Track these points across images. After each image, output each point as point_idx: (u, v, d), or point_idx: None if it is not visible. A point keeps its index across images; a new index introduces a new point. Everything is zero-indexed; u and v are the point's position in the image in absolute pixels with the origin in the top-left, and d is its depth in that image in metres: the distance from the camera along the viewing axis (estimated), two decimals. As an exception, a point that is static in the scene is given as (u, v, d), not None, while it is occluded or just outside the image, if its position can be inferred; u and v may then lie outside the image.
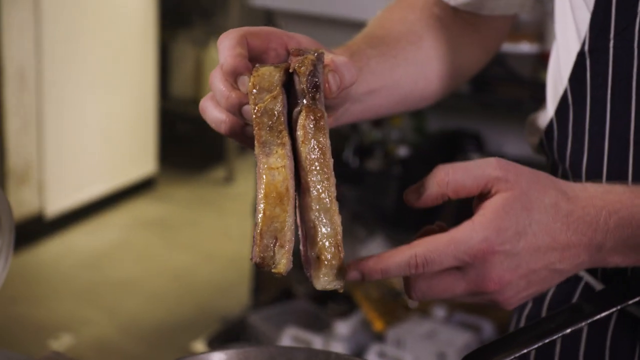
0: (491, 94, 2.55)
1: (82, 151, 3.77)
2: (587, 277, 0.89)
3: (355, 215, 2.67)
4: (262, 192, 0.65)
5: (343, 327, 2.52)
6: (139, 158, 4.09)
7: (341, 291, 0.67)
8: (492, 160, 0.67)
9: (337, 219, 0.66)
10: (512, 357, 0.73)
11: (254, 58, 0.72)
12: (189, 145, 4.70)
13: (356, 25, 2.41)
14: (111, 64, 3.84)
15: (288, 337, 2.48)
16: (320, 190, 0.66)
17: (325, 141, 0.66)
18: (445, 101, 3.01)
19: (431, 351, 2.39)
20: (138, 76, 4.01)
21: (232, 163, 4.26)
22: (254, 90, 0.67)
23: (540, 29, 2.43)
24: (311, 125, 0.66)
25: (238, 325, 2.75)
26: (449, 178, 0.65)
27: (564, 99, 0.85)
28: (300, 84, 0.67)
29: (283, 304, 2.76)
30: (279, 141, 0.66)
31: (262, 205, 0.65)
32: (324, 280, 0.66)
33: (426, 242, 0.64)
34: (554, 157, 0.88)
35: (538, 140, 0.92)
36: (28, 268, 3.37)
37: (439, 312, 2.57)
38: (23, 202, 3.50)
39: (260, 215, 0.65)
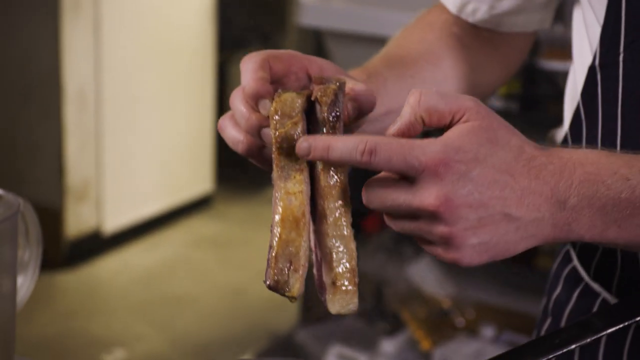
0: (541, 112, 2.53)
1: (139, 169, 3.84)
2: (604, 294, 0.89)
3: (402, 235, 2.66)
4: (279, 216, 0.67)
5: (389, 346, 2.52)
6: (196, 177, 4.16)
7: (354, 313, 0.68)
8: (467, 95, 0.66)
9: (353, 245, 0.67)
10: None
11: (275, 81, 0.73)
12: (245, 165, 4.74)
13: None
14: (169, 84, 3.92)
15: (333, 355, 2.48)
16: (337, 217, 0.67)
17: (344, 169, 0.67)
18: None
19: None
20: (196, 96, 4.08)
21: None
22: (276, 116, 0.68)
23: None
24: None
25: (286, 341, 2.76)
26: (421, 98, 0.65)
27: (577, 113, 0.85)
28: (322, 112, 0.68)
29: (331, 321, 2.77)
30: (297, 167, 0.67)
31: (278, 229, 0.66)
32: (339, 306, 0.67)
33: (383, 137, 0.64)
34: None
35: None
36: (85, 283, 3.45)
37: (487, 331, 2.55)
38: (81, 219, 3.59)
39: (276, 239, 0.66)
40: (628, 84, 0.78)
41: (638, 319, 0.74)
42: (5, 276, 0.99)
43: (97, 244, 3.66)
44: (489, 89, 0.99)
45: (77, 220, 3.55)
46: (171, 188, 4.02)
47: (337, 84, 0.69)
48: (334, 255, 0.67)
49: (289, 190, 0.67)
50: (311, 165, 0.69)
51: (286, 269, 0.66)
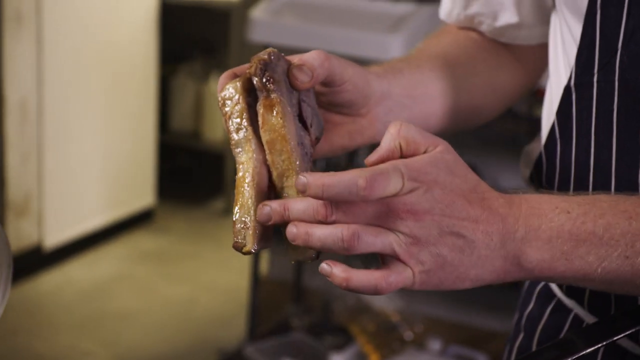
0: (489, 129, 2.59)
1: (81, 183, 3.79)
2: (577, 309, 0.91)
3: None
4: (236, 187, 0.73)
5: (338, 359, 2.53)
6: (138, 190, 4.12)
7: (310, 261, 0.73)
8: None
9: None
10: None
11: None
12: (187, 178, 4.73)
13: (351, 61, 2.46)
14: (112, 97, 3.88)
15: (285, 369, 2.49)
16: (280, 167, 0.72)
17: (278, 121, 0.72)
18: (445, 136, 3.04)
19: (427, 384, 2.41)
20: (138, 110, 4.05)
21: (231, 195, 4.28)
22: (221, 101, 0.75)
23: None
24: (265, 112, 0.73)
25: (234, 357, 2.76)
26: (401, 128, 0.68)
27: (552, 132, 0.88)
28: (256, 82, 0.74)
29: (280, 336, 2.77)
30: (244, 139, 0.73)
31: (235, 198, 0.73)
32: (296, 255, 0.72)
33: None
34: (543, 188, 0.91)
35: (529, 172, 0.95)
36: (27, 300, 3.39)
37: (435, 345, 2.58)
38: (22, 234, 3.53)
39: (234, 206, 0.73)
40: (601, 104, 0.81)
41: (619, 337, 0.76)
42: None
43: (38, 260, 3.60)
44: (512, 91, 1.01)
45: (18, 236, 3.49)
46: (113, 202, 3.98)
47: (267, 53, 0.75)
48: None
49: (240, 160, 0.73)
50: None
51: (242, 230, 0.71)
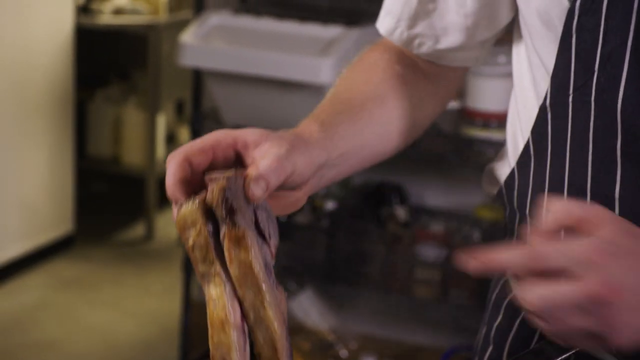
0: (415, 148, 2.65)
1: (-1, 211, 3.70)
2: None
3: (285, 269, 2.71)
4: (209, 320, 0.72)
5: (277, 380, 2.54)
6: (56, 217, 4.04)
7: None
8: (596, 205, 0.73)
9: (273, 324, 0.71)
10: None
11: (202, 171, 0.77)
12: (107, 203, 4.66)
13: (282, 84, 2.48)
14: (27, 122, 3.80)
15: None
16: (250, 302, 0.71)
17: (247, 256, 0.71)
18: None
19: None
20: (54, 135, 3.98)
21: (152, 220, 4.25)
22: (182, 231, 0.73)
23: (460, 87, 2.55)
24: (232, 247, 0.71)
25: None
26: (561, 205, 0.71)
27: (525, 150, 0.91)
28: (217, 213, 0.72)
29: None
30: (213, 271, 0.72)
31: (210, 332, 0.71)
32: None
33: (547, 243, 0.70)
34: (514, 206, 0.95)
35: (497, 189, 0.99)
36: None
37: (370, 362, 2.62)
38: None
39: (210, 342, 0.71)
40: (576, 123, 0.85)
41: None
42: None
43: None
44: (426, 122, 1.04)
45: None
46: (31, 229, 3.89)
47: (226, 178, 0.73)
48: (258, 337, 0.71)
49: (211, 295, 0.71)
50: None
51: None
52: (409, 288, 2.64)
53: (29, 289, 3.72)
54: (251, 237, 0.71)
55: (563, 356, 0.81)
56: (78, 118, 4.18)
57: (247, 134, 0.79)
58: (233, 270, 0.71)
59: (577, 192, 0.85)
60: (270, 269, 0.73)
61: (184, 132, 4.43)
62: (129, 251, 4.17)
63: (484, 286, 2.43)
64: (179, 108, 4.54)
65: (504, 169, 0.99)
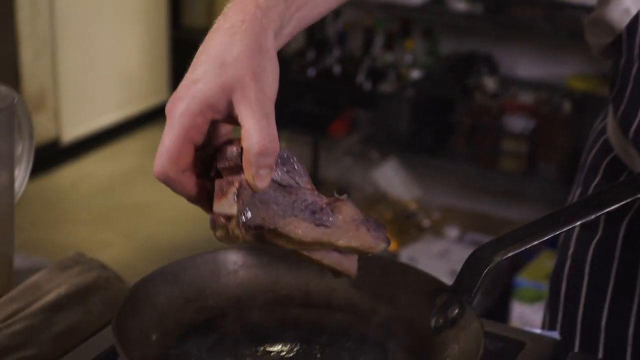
0: (505, 14, 2.55)
1: (96, 79, 3.78)
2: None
3: (368, 139, 2.69)
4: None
5: (357, 247, 2.56)
6: (152, 87, 4.11)
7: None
8: None
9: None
10: (515, 252, 0.75)
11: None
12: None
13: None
14: (123, -9, 3.83)
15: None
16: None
17: (292, 241, 0.69)
18: (458, 23, 3.00)
19: (443, 270, 2.44)
20: (149, 6, 4.00)
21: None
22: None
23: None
24: (277, 239, 0.70)
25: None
26: None
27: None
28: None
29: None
30: None
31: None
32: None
33: None
34: (633, 53, 0.87)
35: (611, 38, 0.90)
36: (46, 193, 3.42)
37: (452, 232, 2.61)
38: (39, 129, 3.54)
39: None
40: None
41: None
42: (3, 168, 0.98)
43: (56, 154, 3.62)
44: None
45: (36, 130, 3.49)
46: (128, 98, 3.97)
47: (237, 212, 0.70)
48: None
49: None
50: None
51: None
52: (495, 160, 2.59)
53: (126, 155, 3.83)
54: (284, 224, 0.69)
55: (614, 206, 0.77)
56: (174, -13, 4.19)
57: (211, 100, 0.68)
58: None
59: None
60: (316, 206, 0.70)
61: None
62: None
63: (573, 158, 2.36)
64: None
65: (616, 13, 0.89)
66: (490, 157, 2.58)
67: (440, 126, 2.64)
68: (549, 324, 0.93)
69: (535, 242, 0.79)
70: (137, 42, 3.96)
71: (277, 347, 0.75)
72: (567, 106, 2.50)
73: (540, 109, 2.53)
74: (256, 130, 0.66)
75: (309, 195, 0.70)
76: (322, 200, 0.70)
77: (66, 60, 3.58)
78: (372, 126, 2.68)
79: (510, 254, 0.77)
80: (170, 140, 0.68)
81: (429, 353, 0.73)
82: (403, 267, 0.80)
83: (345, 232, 0.70)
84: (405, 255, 2.49)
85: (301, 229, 0.69)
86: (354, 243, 0.70)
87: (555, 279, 0.94)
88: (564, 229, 0.77)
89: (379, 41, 2.75)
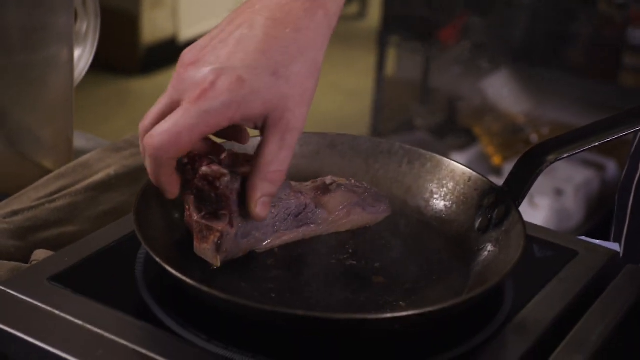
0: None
1: (215, -22, 3.78)
2: None
3: (478, 47, 2.59)
4: None
5: (459, 159, 2.49)
6: None
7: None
8: None
9: None
10: (573, 153, 0.73)
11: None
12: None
13: None
14: None
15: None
16: None
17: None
18: None
19: (548, 187, 2.35)
20: None
21: (367, -1, 4.19)
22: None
23: None
24: None
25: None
26: None
27: None
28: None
29: (403, 135, 2.75)
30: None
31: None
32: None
33: None
34: None
35: None
36: (160, 90, 3.45)
37: (561, 149, 2.49)
38: (157, 26, 3.57)
39: None
40: None
41: None
42: (62, 46, 0.97)
43: (172, 52, 3.65)
44: None
45: (153, 27, 3.53)
46: (247, -1, 3.96)
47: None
48: None
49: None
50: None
51: None
52: (615, 75, 2.45)
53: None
54: (267, 244, 0.69)
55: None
56: None
57: (250, 115, 0.61)
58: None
59: None
60: (300, 208, 0.70)
61: None
62: (338, 27, 4.16)
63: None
64: None
65: None
66: (610, 71, 2.45)
67: (558, 36, 2.51)
68: (613, 236, 0.87)
69: (596, 144, 0.75)
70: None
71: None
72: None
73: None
74: (278, 160, 0.62)
75: (293, 200, 0.69)
76: (307, 197, 0.70)
77: (186, -42, 3.58)
78: (485, 34, 2.58)
79: (566, 156, 0.73)
80: (186, 127, 0.62)
81: (467, 253, 0.70)
82: (453, 166, 0.77)
83: (334, 222, 0.71)
84: (509, 171, 2.40)
85: (286, 239, 0.69)
86: (349, 226, 0.72)
87: (623, 191, 0.88)
88: (628, 132, 0.71)
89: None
